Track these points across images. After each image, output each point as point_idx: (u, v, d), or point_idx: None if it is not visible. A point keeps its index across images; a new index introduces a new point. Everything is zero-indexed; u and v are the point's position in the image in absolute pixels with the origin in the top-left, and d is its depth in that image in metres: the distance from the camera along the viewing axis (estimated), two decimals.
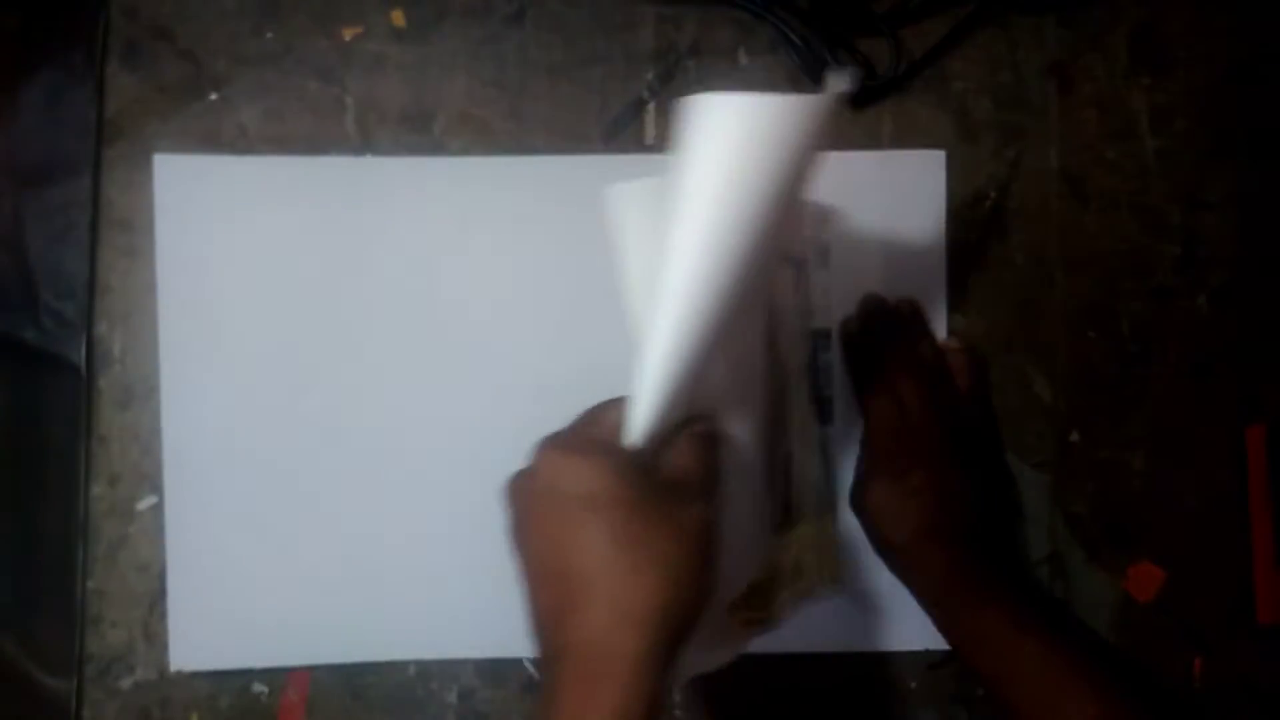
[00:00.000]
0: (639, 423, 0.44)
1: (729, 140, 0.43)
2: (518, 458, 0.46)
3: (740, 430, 0.50)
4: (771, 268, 0.54)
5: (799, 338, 0.62)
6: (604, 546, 0.40)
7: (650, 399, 0.44)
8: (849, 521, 0.63)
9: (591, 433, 0.44)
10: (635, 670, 0.39)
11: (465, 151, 0.64)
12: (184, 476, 0.63)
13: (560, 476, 0.42)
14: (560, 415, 0.48)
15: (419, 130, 0.65)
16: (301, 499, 0.63)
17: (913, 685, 0.64)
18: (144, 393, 0.64)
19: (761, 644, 0.62)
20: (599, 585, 0.39)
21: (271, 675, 0.63)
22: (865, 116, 0.65)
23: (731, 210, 0.43)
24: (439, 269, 0.63)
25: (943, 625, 0.58)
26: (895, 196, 0.64)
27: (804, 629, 0.63)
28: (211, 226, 0.63)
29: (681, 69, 0.65)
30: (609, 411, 0.44)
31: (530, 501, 0.42)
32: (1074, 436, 0.65)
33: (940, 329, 0.64)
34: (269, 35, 0.65)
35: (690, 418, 0.46)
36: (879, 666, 0.64)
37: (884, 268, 0.64)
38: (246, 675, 0.63)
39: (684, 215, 0.43)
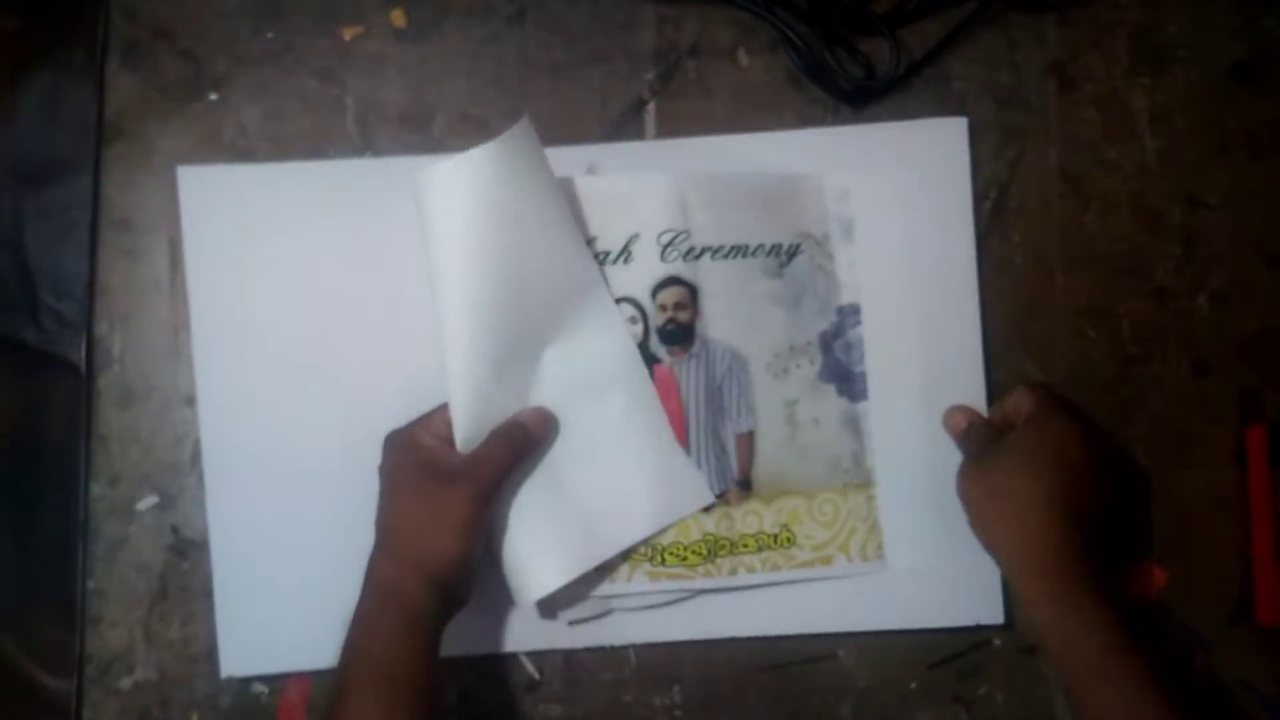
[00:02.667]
0: (456, 428, 0.57)
1: (436, 200, 0.54)
2: None
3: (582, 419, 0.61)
4: (568, 277, 0.59)
5: (782, 323, 0.63)
6: (394, 511, 0.57)
7: (456, 411, 0.57)
8: (889, 496, 0.64)
9: (413, 431, 0.58)
10: (398, 584, 0.55)
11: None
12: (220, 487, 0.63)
13: (383, 461, 0.59)
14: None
15: (419, 130, 0.65)
16: (311, 502, 0.63)
17: (913, 685, 0.64)
18: (144, 393, 0.64)
19: (798, 625, 0.63)
20: (387, 535, 0.57)
21: (272, 675, 0.63)
22: (865, 117, 0.65)
23: (461, 256, 0.55)
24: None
25: (1031, 600, 0.56)
26: (918, 166, 0.64)
27: (838, 608, 0.64)
28: (239, 236, 0.63)
29: (681, 69, 0.65)
30: (439, 412, 0.59)
31: (378, 476, 0.59)
32: None
33: (972, 298, 0.64)
34: (269, 35, 0.65)
35: (509, 419, 0.59)
36: (879, 667, 0.64)
37: (910, 239, 0.64)
38: (250, 676, 0.63)
39: (434, 268, 0.55)
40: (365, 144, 0.64)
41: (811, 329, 0.64)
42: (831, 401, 0.64)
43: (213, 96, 0.64)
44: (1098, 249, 0.65)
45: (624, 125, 0.65)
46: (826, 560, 0.64)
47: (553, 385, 0.60)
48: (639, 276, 0.62)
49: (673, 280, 0.62)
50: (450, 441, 0.58)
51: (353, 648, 0.55)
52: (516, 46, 0.65)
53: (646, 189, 0.62)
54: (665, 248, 0.62)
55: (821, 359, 0.64)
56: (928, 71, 0.65)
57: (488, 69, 0.65)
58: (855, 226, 0.64)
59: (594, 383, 0.61)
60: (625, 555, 0.62)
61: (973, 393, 0.64)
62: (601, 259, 0.61)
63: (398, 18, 0.65)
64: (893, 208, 0.64)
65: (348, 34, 0.65)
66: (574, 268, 0.59)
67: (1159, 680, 0.53)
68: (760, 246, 0.63)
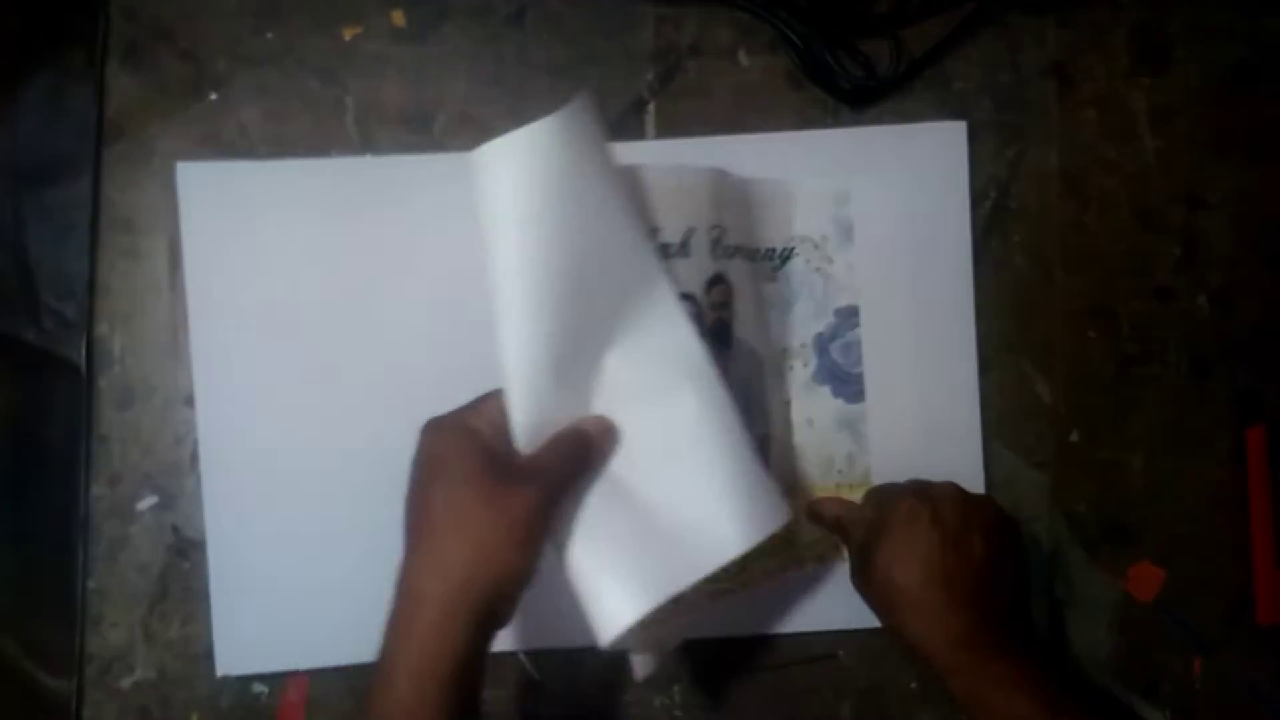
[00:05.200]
0: (515, 429, 0.51)
1: (496, 180, 0.49)
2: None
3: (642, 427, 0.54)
4: (629, 269, 0.53)
5: (776, 326, 0.64)
6: (440, 508, 0.48)
7: (514, 410, 0.51)
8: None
9: (465, 416, 0.51)
10: (440, 612, 0.46)
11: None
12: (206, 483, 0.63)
13: (427, 448, 0.50)
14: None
15: (419, 130, 0.65)
16: (308, 502, 0.63)
17: (913, 685, 0.64)
18: (144, 393, 0.64)
19: (794, 623, 0.64)
20: (428, 538, 0.48)
21: (271, 675, 0.63)
22: (865, 117, 0.65)
23: (518, 243, 0.49)
24: (467, 267, 0.58)
25: (954, 685, 0.53)
26: (918, 169, 0.64)
27: (834, 606, 0.64)
28: (237, 233, 0.63)
29: (681, 69, 0.65)
30: (490, 400, 0.51)
31: (412, 467, 0.50)
32: (1074, 436, 0.65)
33: (967, 301, 0.64)
34: (269, 35, 0.65)
35: (574, 424, 0.52)
36: (879, 667, 0.64)
37: (909, 242, 0.64)
38: (247, 675, 0.63)
39: (491, 255, 0.50)
40: (365, 144, 0.64)
41: (806, 331, 0.64)
42: (826, 403, 0.64)
43: (213, 96, 0.64)
44: (1098, 249, 0.65)
45: (624, 125, 0.65)
46: (820, 559, 0.64)
47: (616, 390, 0.54)
48: (696, 272, 0.58)
49: (719, 278, 0.59)
50: (502, 429, 0.51)
51: (381, 701, 0.46)
52: (516, 46, 0.65)
53: (697, 181, 0.59)
54: (714, 243, 0.58)
55: (816, 361, 0.64)
56: (928, 71, 0.65)
57: (488, 69, 0.65)
58: (855, 229, 0.64)
59: (661, 385, 0.54)
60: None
61: (966, 395, 0.64)
62: (664, 253, 0.56)
63: (398, 18, 0.65)
64: (892, 211, 0.64)
65: (348, 34, 0.65)
66: (635, 259, 0.54)
67: None
68: (755, 250, 0.63)
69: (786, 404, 0.64)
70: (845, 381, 0.64)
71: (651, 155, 0.64)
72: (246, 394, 0.63)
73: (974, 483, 0.64)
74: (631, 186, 0.55)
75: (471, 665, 0.47)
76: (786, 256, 0.64)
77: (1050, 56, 0.65)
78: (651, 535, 0.52)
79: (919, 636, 0.54)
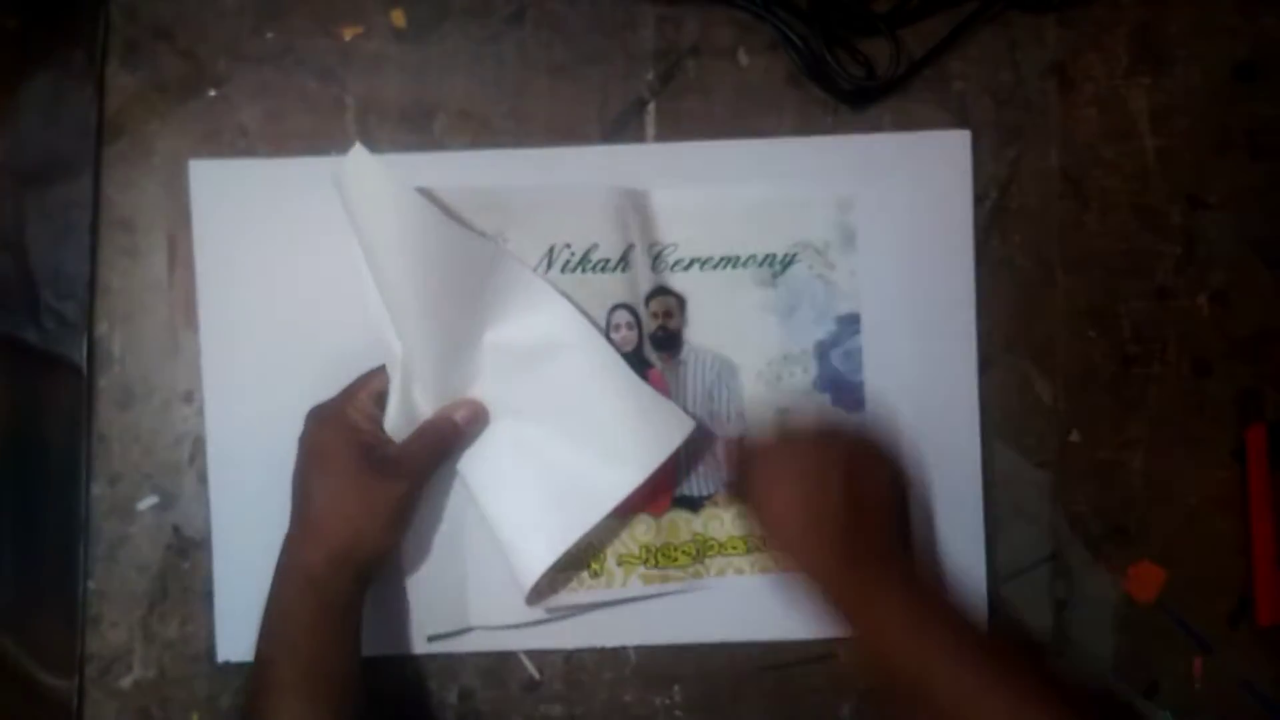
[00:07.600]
0: (390, 418, 0.58)
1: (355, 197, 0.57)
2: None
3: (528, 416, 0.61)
4: (486, 269, 0.59)
5: (770, 332, 0.64)
6: (319, 491, 0.56)
7: (393, 399, 0.58)
8: None
9: (344, 408, 0.58)
10: (324, 572, 0.54)
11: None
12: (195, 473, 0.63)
13: (310, 437, 0.57)
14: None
15: (419, 130, 0.65)
16: None
17: None
18: (144, 393, 0.64)
19: (792, 630, 0.64)
20: (312, 519, 0.56)
21: None
22: (865, 116, 0.65)
23: (383, 258, 0.57)
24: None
25: (821, 603, 0.55)
26: (921, 177, 0.64)
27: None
28: (248, 230, 0.63)
29: (681, 69, 0.65)
30: (368, 382, 0.59)
31: (298, 449, 0.58)
32: (1074, 436, 0.65)
33: (970, 309, 0.64)
34: (269, 35, 0.65)
35: (440, 412, 0.59)
36: None
37: (911, 249, 0.64)
38: (247, 662, 0.63)
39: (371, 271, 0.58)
40: (365, 144, 0.64)
41: (807, 338, 0.64)
42: (826, 411, 0.64)
43: (212, 95, 0.64)
44: (1098, 249, 0.65)
45: (624, 125, 0.65)
46: None
47: (501, 367, 0.60)
48: (635, 285, 0.63)
49: (662, 290, 0.63)
50: (376, 420, 0.58)
51: (275, 641, 0.54)
52: (516, 46, 0.65)
53: (636, 202, 0.63)
54: (655, 259, 0.63)
55: (816, 368, 0.64)
56: (928, 71, 0.65)
57: (488, 69, 0.65)
58: (858, 236, 0.64)
59: (544, 350, 0.60)
60: (619, 559, 0.62)
61: (965, 401, 0.64)
62: (602, 266, 0.62)
63: (398, 18, 0.65)
64: (895, 218, 0.64)
65: (348, 34, 0.65)
66: (474, 256, 0.59)
67: (970, 640, 0.52)
68: (752, 257, 0.64)
69: (783, 410, 0.64)
70: (845, 389, 0.64)
71: (652, 160, 0.64)
72: (253, 389, 0.63)
73: (973, 483, 0.64)
74: (561, 205, 0.62)
75: (352, 609, 0.56)
76: (788, 262, 0.64)
77: (1050, 56, 0.65)
78: (557, 487, 0.59)
79: (789, 564, 0.57)
